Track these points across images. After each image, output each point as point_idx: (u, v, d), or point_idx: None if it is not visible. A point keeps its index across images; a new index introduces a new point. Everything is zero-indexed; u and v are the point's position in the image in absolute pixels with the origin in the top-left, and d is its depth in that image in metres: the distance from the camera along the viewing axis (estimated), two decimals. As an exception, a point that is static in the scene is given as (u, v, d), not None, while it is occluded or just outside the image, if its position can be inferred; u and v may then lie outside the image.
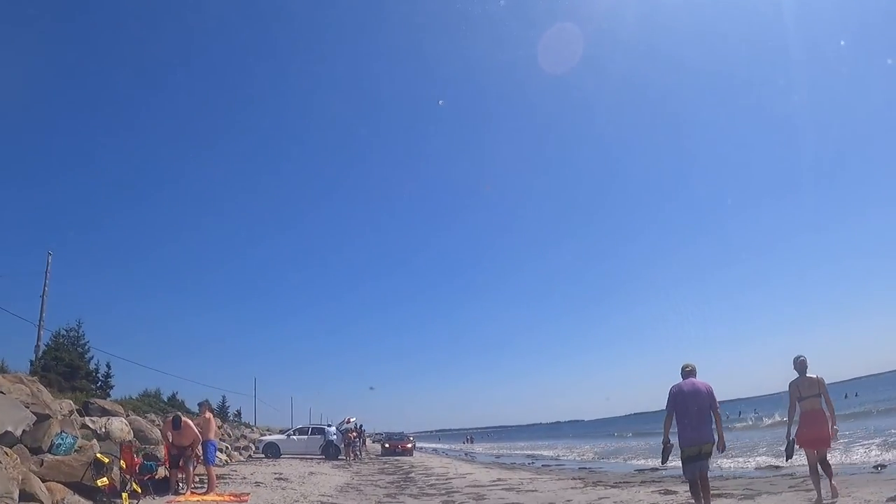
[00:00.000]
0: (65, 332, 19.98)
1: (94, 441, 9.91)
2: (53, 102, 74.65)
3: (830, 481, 6.43)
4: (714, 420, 5.86)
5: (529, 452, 33.09)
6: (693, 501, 6.14)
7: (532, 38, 73.30)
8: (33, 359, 17.97)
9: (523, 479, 13.27)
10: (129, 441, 11.21)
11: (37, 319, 18.72)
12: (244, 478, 12.39)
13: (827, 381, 6.58)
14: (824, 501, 6.29)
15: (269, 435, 27.68)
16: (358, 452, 24.29)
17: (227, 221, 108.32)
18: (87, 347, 20.28)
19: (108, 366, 21.30)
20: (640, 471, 14.99)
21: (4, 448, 7.00)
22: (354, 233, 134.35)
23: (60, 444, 8.25)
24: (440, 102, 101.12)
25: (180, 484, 9.35)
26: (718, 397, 5.98)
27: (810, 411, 6.47)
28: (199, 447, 9.58)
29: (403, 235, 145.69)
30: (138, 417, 14.72)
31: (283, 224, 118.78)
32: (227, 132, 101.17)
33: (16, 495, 6.35)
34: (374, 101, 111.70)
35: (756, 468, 13.04)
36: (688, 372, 6.17)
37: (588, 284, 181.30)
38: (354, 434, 24.51)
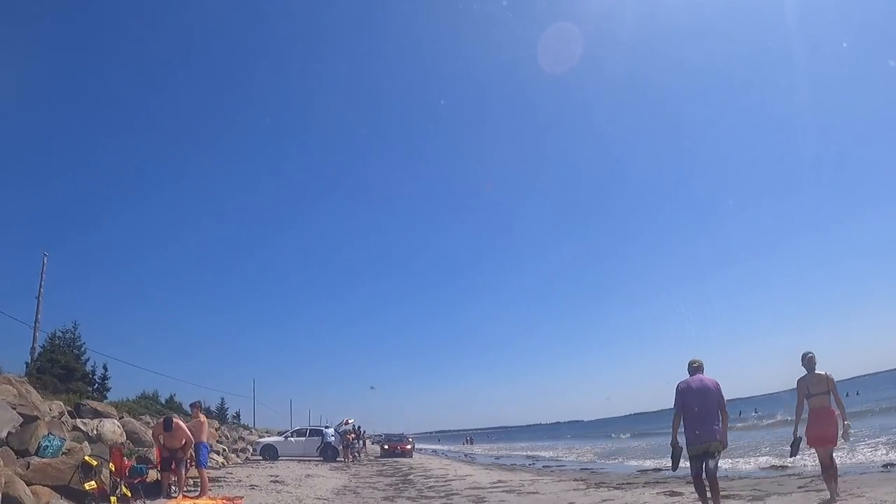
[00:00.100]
0: (60, 334, 19.84)
1: (85, 443, 9.70)
2: (53, 102, 74.49)
3: (833, 481, 6.23)
4: (721, 418, 5.68)
5: (529, 453, 32.91)
6: (700, 503, 5.93)
7: (532, 38, 73.23)
8: (29, 361, 17.79)
9: (524, 480, 13.05)
10: (120, 443, 10.99)
11: (33, 321, 18.51)
12: (239, 480, 12.16)
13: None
14: (837, 501, 6.09)
15: (268, 437, 27.41)
16: (357, 454, 24.05)
17: (227, 222, 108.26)
18: (83, 349, 20.13)
19: (105, 368, 21.16)
20: (643, 471, 14.80)
21: (-12, 450, 6.79)
22: (354, 233, 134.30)
23: (47, 447, 8.05)
24: (441, 102, 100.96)
25: (172, 487, 9.12)
26: (720, 397, 5.80)
27: (819, 409, 6.29)
28: (192, 449, 9.35)
29: (403, 235, 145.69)
30: (132, 419, 14.47)
31: (282, 224, 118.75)
32: (227, 132, 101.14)
33: (-2, 499, 6.14)
34: (374, 101, 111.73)
35: (760, 468, 12.87)
36: (695, 368, 5.99)
37: (588, 284, 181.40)
38: (353, 436, 24.28)
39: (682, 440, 5.79)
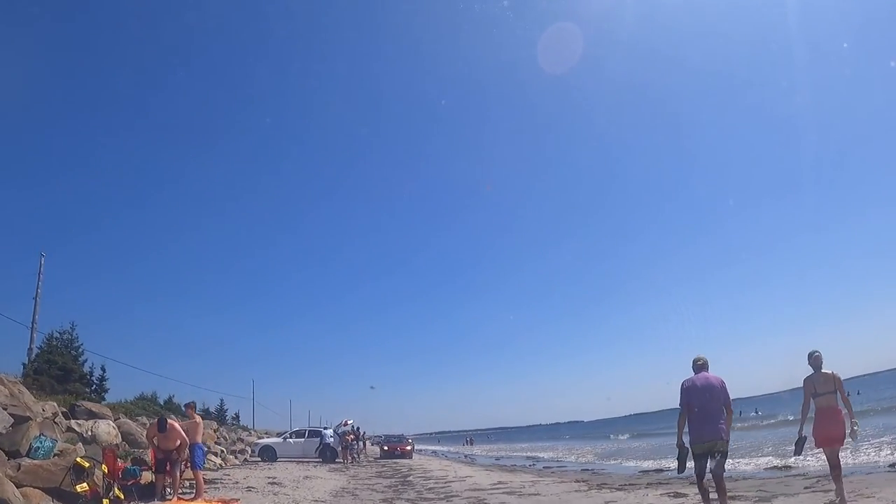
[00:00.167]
0: (58, 335, 19.66)
1: (78, 444, 9.54)
2: (53, 102, 74.53)
3: (839, 482, 6.09)
4: (726, 416, 5.55)
5: (530, 454, 32.75)
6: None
7: (532, 38, 73.15)
8: (26, 361, 17.65)
9: (525, 481, 12.88)
10: (114, 444, 10.82)
11: (30, 322, 18.35)
12: (236, 482, 12.00)
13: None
14: (846, 502, 5.94)
15: (267, 438, 27.24)
16: (356, 455, 23.89)
17: (227, 222, 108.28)
18: (80, 350, 19.95)
19: (103, 369, 21.01)
20: (645, 472, 14.65)
21: (-24, 452, 6.63)
22: (354, 233, 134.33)
23: (39, 448, 7.89)
24: (441, 102, 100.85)
25: (167, 489, 8.96)
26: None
27: (826, 408, 6.16)
28: (187, 451, 9.19)
29: (403, 235, 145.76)
30: (128, 420, 14.32)
31: (282, 224, 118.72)
32: (227, 132, 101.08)
33: (-14, 502, 5.99)
34: (374, 101, 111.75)
35: (764, 468, 12.72)
36: (700, 365, 5.85)
37: (588, 284, 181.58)
38: (352, 437, 24.10)
39: (687, 440, 5.64)
